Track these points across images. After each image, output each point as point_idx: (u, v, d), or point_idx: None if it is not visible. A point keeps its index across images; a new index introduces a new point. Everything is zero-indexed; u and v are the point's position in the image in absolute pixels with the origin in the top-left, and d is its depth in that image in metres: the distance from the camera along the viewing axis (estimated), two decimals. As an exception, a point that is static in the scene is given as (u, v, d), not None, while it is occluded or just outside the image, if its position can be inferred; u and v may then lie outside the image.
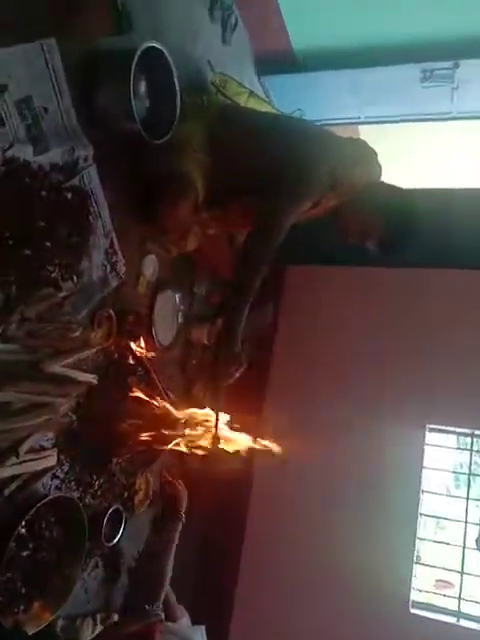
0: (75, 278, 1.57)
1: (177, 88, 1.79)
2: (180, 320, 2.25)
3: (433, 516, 2.92)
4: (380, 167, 1.98)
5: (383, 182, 1.97)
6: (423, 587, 2.92)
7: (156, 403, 1.85)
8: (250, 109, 2.35)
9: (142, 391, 1.85)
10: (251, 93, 2.44)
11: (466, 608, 2.61)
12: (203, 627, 1.88)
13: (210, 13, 2.35)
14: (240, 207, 1.92)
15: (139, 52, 1.59)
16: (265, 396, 2.83)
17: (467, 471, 2.86)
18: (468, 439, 2.84)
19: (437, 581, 3.57)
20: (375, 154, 1.97)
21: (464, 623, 2.53)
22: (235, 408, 2.48)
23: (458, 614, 2.57)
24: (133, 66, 1.56)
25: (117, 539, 1.87)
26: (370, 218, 1.86)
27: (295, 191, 1.76)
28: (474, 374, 2.62)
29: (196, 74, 2.26)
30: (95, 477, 1.79)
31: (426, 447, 2.68)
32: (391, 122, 3.16)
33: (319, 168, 1.76)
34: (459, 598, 2.63)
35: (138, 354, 1.86)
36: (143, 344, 1.90)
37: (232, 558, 2.71)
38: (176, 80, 1.77)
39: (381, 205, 1.85)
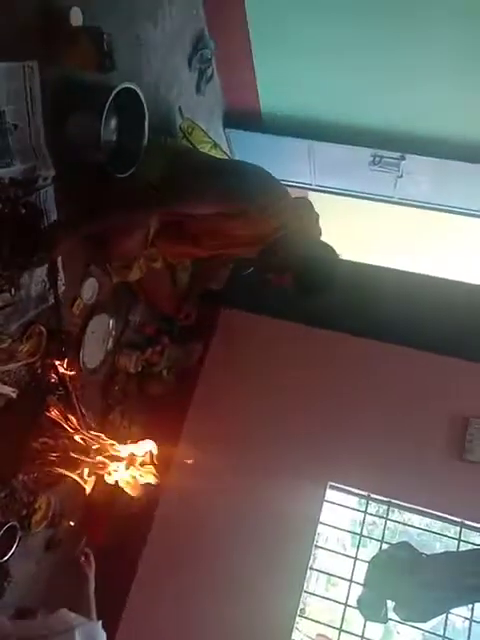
0: (13, 291, 1.59)
1: (146, 128, 1.88)
2: (110, 345, 2.28)
3: (322, 571, 3.01)
4: (317, 225, 2.06)
5: (319, 239, 2.07)
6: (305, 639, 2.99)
7: (70, 425, 1.84)
8: (206, 154, 2.45)
9: (59, 411, 1.84)
10: (214, 144, 2.58)
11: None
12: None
13: (189, 63, 2.49)
14: (171, 246, 2.04)
15: (116, 91, 1.67)
16: (181, 431, 2.87)
17: (360, 532, 2.99)
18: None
19: (318, 635, 3.65)
20: (315, 213, 2.06)
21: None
22: (151, 436, 2.53)
23: (333, 670, 2.65)
24: (108, 102, 1.65)
25: (8, 556, 1.82)
26: (295, 258, 1.92)
27: (228, 190, 1.83)
28: (378, 440, 2.79)
29: (166, 116, 2.38)
30: (-4, 490, 1.76)
31: (325, 503, 2.79)
32: (339, 194, 3.40)
33: (255, 187, 1.86)
34: (335, 654, 2.71)
35: (61, 374, 1.87)
36: (68, 365, 1.91)
37: (120, 594, 2.67)
38: (146, 121, 1.87)
39: (309, 252, 1.93)
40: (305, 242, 1.95)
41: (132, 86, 1.75)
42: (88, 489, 1.76)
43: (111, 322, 2.24)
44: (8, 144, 1.48)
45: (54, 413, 1.84)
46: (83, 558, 1.97)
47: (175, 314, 2.54)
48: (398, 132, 2.97)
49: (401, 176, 3.11)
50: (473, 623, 2.73)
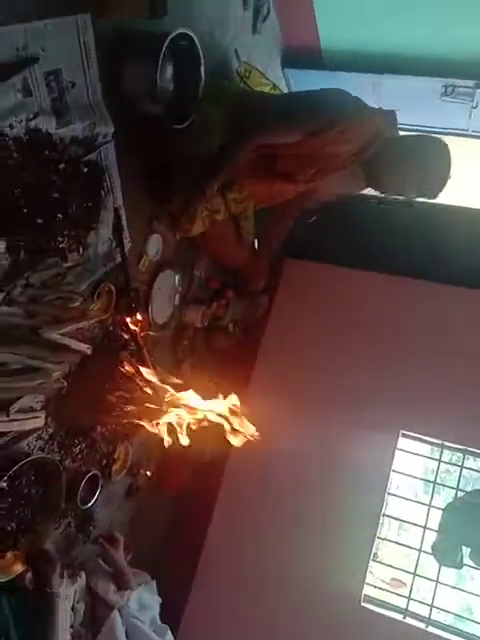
0: (81, 250, 1.62)
1: (202, 76, 1.82)
2: (177, 301, 2.30)
3: (395, 518, 3.02)
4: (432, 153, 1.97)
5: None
6: (378, 584, 3.04)
7: (143, 379, 1.90)
8: (266, 93, 2.37)
9: (132, 366, 1.90)
10: (274, 86, 2.47)
11: (414, 608, 2.73)
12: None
13: (244, 1, 2.36)
14: (258, 183, 2.01)
15: (170, 37, 1.61)
16: (249, 384, 2.91)
17: (434, 479, 2.96)
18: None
19: (392, 579, 3.71)
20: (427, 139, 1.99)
21: (409, 621, 2.65)
22: (220, 389, 2.57)
23: (405, 612, 2.69)
24: (163, 50, 1.59)
25: (92, 503, 1.94)
26: (404, 157, 1.91)
27: (311, 106, 1.87)
28: (453, 387, 2.71)
29: (222, 61, 2.29)
30: (77, 442, 1.86)
31: (397, 451, 2.77)
32: (408, 130, 3.19)
33: (337, 99, 1.86)
34: (408, 597, 2.74)
35: (132, 330, 1.91)
36: (138, 320, 1.95)
37: (197, 540, 2.80)
38: (202, 68, 1.80)
39: (418, 144, 1.93)
40: (408, 138, 1.94)
41: (186, 31, 1.68)
42: (166, 439, 1.81)
43: (177, 278, 2.26)
44: (67, 102, 1.47)
45: (127, 368, 1.90)
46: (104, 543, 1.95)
47: (243, 267, 2.51)
48: (472, 59, 2.72)
49: (476, 106, 2.88)
50: None
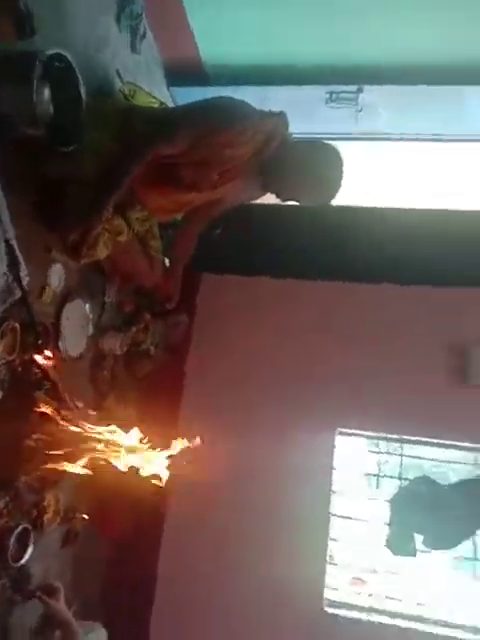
0: (-27, 288, 1.50)
1: (83, 96, 1.76)
2: (90, 330, 2.19)
3: (344, 516, 3.02)
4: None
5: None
6: (340, 586, 3.02)
7: (63, 418, 1.78)
8: (151, 108, 2.36)
9: (48, 406, 1.78)
10: (161, 104, 2.45)
11: (377, 604, 2.73)
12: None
13: (117, 21, 2.33)
14: (160, 195, 2.00)
15: (43, 57, 1.55)
16: (180, 405, 2.83)
17: (378, 473, 3.00)
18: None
19: (353, 579, 3.71)
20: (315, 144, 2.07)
21: (375, 618, 2.63)
22: (150, 417, 2.48)
23: (369, 610, 2.68)
24: (35, 70, 1.52)
25: (25, 559, 1.79)
26: (302, 158, 1.98)
27: (201, 113, 1.90)
28: (380, 380, 2.77)
29: (104, 81, 2.23)
30: (0, 497, 1.70)
31: (336, 450, 2.78)
32: (299, 138, 3.28)
33: (226, 103, 1.91)
34: (370, 594, 2.74)
35: (43, 367, 1.80)
36: (49, 356, 1.83)
37: (148, 564, 2.70)
38: (82, 88, 1.74)
39: (311, 148, 2.02)
40: (300, 147, 2.01)
41: (59, 50, 1.62)
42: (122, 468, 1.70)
43: (86, 306, 2.16)
44: None
45: (44, 408, 1.78)
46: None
47: (157, 286, 2.45)
48: (352, 65, 2.84)
49: (361, 110, 2.99)
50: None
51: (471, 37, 2.60)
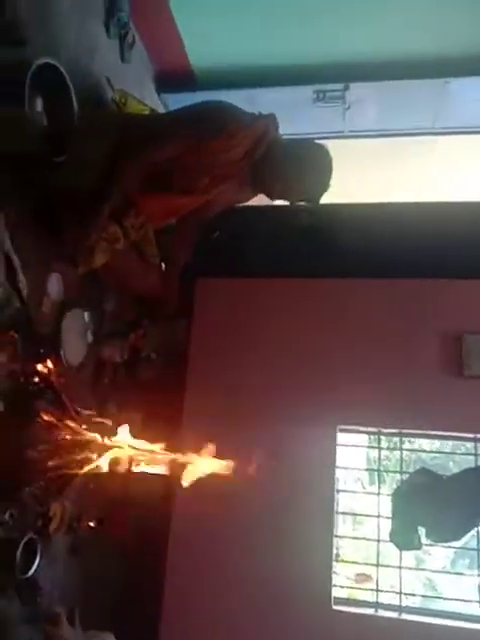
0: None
1: (75, 105, 1.77)
2: (90, 339, 2.20)
3: (349, 513, 3.05)
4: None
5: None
6: (344, 582, 3.03)
7: (66, 426, 1.79)
8: (143, 115, 2.38)
9: (51, 415, 1.78)
10: (152, 111, 2.46)
11: (383, 599, 2.74)
12: None
13: (106, 30, 2.34)
14: (154, 201, 2.00)
15: (34, 67, 1.56)
16: (182, 410, 2.84)
17: (378, 467, 3.01)
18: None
19: (357, 575, 3.73)
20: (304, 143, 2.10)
21: (382, 613, 2.65)
22: (153, 424, 2.48)
23: (377, 605, 2.69)
24: (28, 81, 1.53)
25: (32, 570, 1.79)
26: (292, 156, 2.01)
27: (194, 116, 1.94)
28: (378, 375, 2.78)
29: (95, 90, 2.25)
30: (5, 508, 1.71)
31: (338, 447, 2.80)
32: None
33: (217, 105, 1.95)
34: (377, 590, 2.75)
35: (44, 376, 1.80)
36: (51, 366, 1.84)
37: (156, 569, 2.69)
38: (74, 97, 1.75)
39: (302, 146, 2.06)
40: (289, 146, 2.03)
41: (50, 60, 1.63)
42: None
43: (86, 315, 2.17)
44: None
45: (46, 417, 1.78)
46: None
47: (155, 292, 2.46)
48: (338, 63, 2.86)
49: (348, 108, 3.02)
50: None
51: (453, 29, 2.62)
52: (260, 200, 2.49)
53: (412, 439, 3.50)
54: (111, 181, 1.83)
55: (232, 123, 1.87)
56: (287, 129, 3.26)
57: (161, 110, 2.91)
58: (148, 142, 1.87)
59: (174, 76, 2.92)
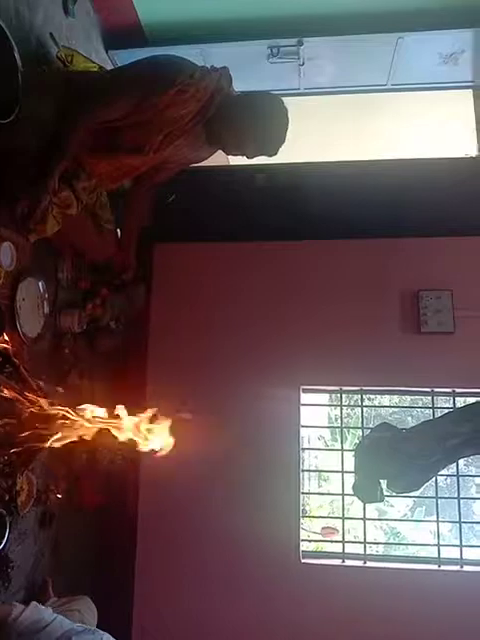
0: None
1: (19, 62, 1.67)
2: (46, 309, 2.14)
3: (314, 470, 3.13)
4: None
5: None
6: (312, 536, 3.13)
7: (28, 399, 1.75)
8: (90, 72, 2.26)
9: (12, 389, 1.74)
10: (100, 68, 2.34)
11: (350, 549, 2.86)
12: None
13: (47, -19, 2.20)
14: (104, 162, 1.94)
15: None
16: (146, 377, 2.82)
17: (340, 424, 3.09)
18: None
19: (323, 528, 3.87)
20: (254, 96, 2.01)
21: (349, 563, 2.76)
22: (118, 392, 2.46)
23: (343, 556, 2.80)
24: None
25: (2, 545, 1.77)
26: (247, 112, 1.93)
27: (143, 71, 1.86)
28: (337, 334, 2.83)
29: (37, 46, 2.12)
30: (-31, 484, 1.67)
31: (302, 407, 2.85)
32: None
33: (168, 60, 1.87)
34: (342, 542, 2.86)
35: (3, 350, 1.75)
36: (7, 338, 1.78)
37: (127, 536, 2.73)
38: (16, 54, 1.65)
39: (256, 100, 1.97)
40: (243, 97, 1.97)
41: (-13, 13, 1.53)
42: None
43: (40, 285, 2.09)
44: None
45: (7, 392, 1.74)
46: None
47: (112, 258, 2.39)
48: (291, 16, 2.78)
49: (303, 64, 2.96)
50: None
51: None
52: (216, 161, 2.44)
53: (372, 396, 3.59)
54: (59, 142, 1.74)
55: (182, 77, 1.79)
56: (241, 87, 3.20)
57: (109, 67, 2.78)
58: (96, 99, 1.78)
59: (122, 32, 2.79)
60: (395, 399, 4.40)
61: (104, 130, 1.84)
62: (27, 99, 1.72)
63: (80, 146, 1.80)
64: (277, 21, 2.78)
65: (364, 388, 2.99)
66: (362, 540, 2.89)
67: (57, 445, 1.73)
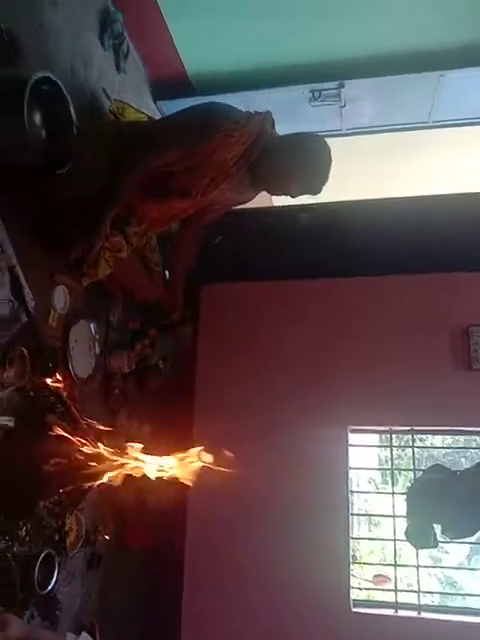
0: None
1: (73, 117, 1.76)
2: (97, 350, 2.19)
3: (364, 514, 3.03)
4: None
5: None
6: (362, 584, 3.00)
7: (78, 439, 1.78)
8: (139, 122, 2.37)
9: (63, 428, 1.77)
10: (149, 119, 2.45)
11: (402, 598, 2.72)
12: None
13: (101, 41, 2.34)
14: (154, 207, 2.01)
15: (32, 81, 1.55)
16: (193, 416, 2.83)
17: (391, 466, 2.99)
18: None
19: (375, 576, 3.70)
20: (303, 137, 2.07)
21: (402, 613, 2.63)
22: (163, 432, 2.47)
23: (396, 605, 2.67)
24: (26, 95, 1.53)
25: (51, 585, 1.78)
26: (288, 151, 1.98)
27: (189, 119, 1.95)
28: (386, 373, 2.77)
29: (91, 101, 2.25)
30: (21, 524, 1.70)
31: (350, 448, 2.78)
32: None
33: (213, 108, 1.95)
34: (395, 590, 2.73)
35: (54, 389, 1.79)
36: (60, 379, 1.83)
37: (174, 579, 2.69)
38: (71, 109, 1.75)
39: (298, 140, 2.03)
40: (286, 138, 2.03)
41: (47, 73, 1.63)
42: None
43: (92, 326, 2.16)
44: None
45: (58, 431, 1.77)
46: None
47: (160, 300, 2.45)
48: (331, 61, 2.85)
49: (344, 105, 3.01)
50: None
51: (445, 21, 2.61)
52: (261, 202, 2.49)
53: (423, 436, 3.47)
54: (112, 190, 1.83)
55: (227, 122, 1.86)
56: (284, 130, 3.28)
57: (158, 118, 2.91)
58: (147, 149, 1.86)
59: (170, 83, 2.92)
60: (448, 439, 4.24)
61: (155, 176, 1.91)
62: (81, 151, 1.82)
63: (132, 194, 1.87)
64: (318, 66, 2.85)
65: (415, 428, 2.90)
66: (416, 589, 2.75)
67: (105, 485, 1.75)
